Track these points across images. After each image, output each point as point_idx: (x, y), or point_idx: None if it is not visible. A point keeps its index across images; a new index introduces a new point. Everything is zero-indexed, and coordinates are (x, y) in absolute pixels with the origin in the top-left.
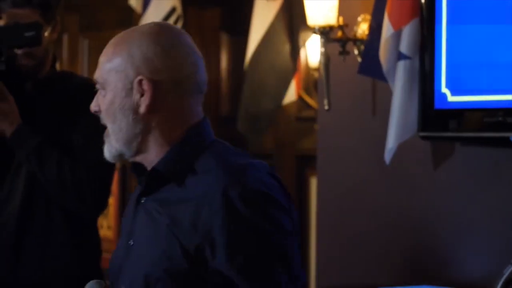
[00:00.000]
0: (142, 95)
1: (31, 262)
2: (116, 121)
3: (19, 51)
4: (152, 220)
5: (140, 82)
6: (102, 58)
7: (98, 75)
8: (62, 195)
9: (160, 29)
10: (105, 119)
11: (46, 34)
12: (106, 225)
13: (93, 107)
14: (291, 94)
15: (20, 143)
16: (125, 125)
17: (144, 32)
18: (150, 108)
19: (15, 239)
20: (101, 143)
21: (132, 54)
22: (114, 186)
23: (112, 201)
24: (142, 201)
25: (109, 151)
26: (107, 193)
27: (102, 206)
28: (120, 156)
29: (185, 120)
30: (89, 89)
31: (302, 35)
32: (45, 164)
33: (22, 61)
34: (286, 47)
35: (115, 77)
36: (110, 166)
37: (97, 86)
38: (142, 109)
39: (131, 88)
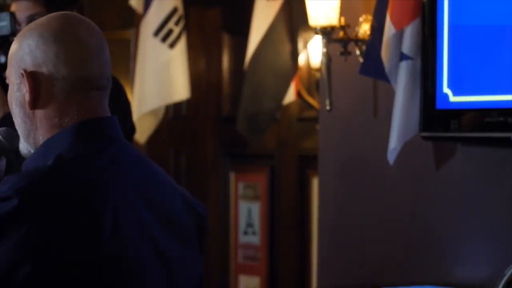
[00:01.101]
0: (27, 90)
1: None
2: (15, 116)
3: None
4: None
5: (22, 75)
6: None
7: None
8: None
9: (52, 20)
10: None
11: None
12: None
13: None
14: (290, 94)
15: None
16: (20, 121)
17: (38, 23)
18: (32, 103)
19: None
20: None
21: (22, 46)
22: None
23: None
24: None
25: (20, 147)
26: None
27: None
28: (29, 152)
29: (73, 117)
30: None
31: (303, 35)
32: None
33: None
34: (287, 47)
35: (10, 70)
36: None
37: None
38: (26, 104)
39: (20, 83)
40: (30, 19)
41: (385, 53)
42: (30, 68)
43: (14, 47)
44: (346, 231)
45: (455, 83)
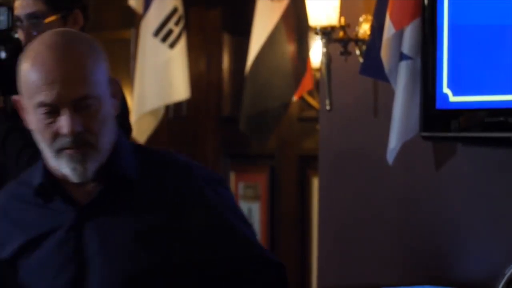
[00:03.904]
0: (117, 100)
1: None
2: (108, 131)
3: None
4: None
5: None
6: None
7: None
8: None
9: (34, 42)
10: None
11: (47, 21)
12: None
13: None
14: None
15: None
16: (112, 132)
17: (86, 36)
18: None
19: None
20: None
21: (102, 60)
22: None
23: None
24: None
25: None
26: None
27: None
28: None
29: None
30: None
31: (310, 35)
32: (7, 149)
33: None
34: (293, 48)
35: (99, 88)
36: None
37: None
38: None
39: (108, 97)
40: (31, 16)
41: (385, 53)
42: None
43: (91, 63)
44: (346, 231)
45: (455, 83)
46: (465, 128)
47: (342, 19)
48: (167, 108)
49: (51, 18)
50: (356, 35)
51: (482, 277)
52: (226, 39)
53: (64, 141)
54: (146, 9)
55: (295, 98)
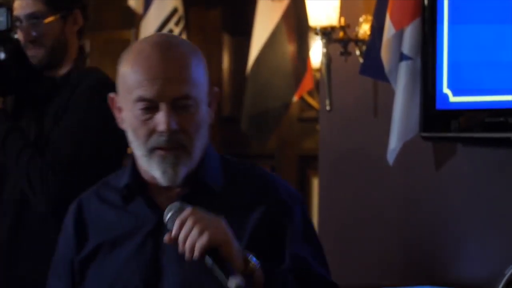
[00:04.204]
0: (216, 105)
1: (25, 268)
2: (201, 136)
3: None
4: None
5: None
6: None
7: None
8: (20, 183)
9: (136, 43)
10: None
11: (47, 21)
12: None
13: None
14: (298, 94)
15: None
16: (204, 139)
17: (189, 43)
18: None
19: (8, 245)
20: (74, 142)
21: (202, 65)
22: None
23: None
24: None
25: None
26: (66, 191)
27: (56, 202)
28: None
29: None
30: (89, 89)
31: (310, 35)
32: (6, 149)
33: (30, 51)
34: (293, 48)
35: (200, 91)
36: (77, 166)
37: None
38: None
39: (205, 102)
40: (30, 17)
41: (385, 53)
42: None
43: (194, 64)
44: (346, 231)
45: (455, 83)
46: (465, 128)
47: (342, 19)
48: None
49: (51, 19)
50: (356, 35)
51: (482, 277)
52: (226, 39)
53: (159, 139)
54: (146, 9)
55: (295, 98)
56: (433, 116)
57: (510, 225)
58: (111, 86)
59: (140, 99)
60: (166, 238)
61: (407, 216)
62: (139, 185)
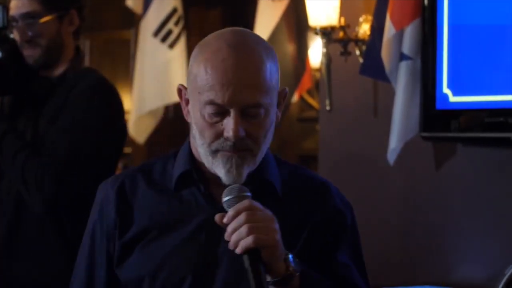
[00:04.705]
0: (281, 108)
1: (24, 267)
2: (264, 142)
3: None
4: None
5: (279, 96)
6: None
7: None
8: (17, 185)
9: (213, 37)
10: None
11: (42, 21)
12: None
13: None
14: (293, 95)
15: None
16: (268, 142)
17: (263, 41)
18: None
19: (6, 245)
20: (72, 142)
21: (275, 67)
22: None
23: None
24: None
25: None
26: (63, 191)
27: (53, 202)
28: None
29: None
30: (89, 89)
31: (309, 35)
32: (3, 149)
33: (25, 51)
34: (292, 47)
35: (271, 95)
36: (76, 166)
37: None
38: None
39: (273, 104)
40: (26, 16)
41: (385, 53)
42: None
43: (268, 69)
44: None
45: (455, 83)
46: (465, 128)
47: (342, 19)
48: (167, 108)
49: (47, 18)
50: (356, 35)
51: (482, 277)
52: None
53: (224, 144)
54: (145, 9)
55: (295, 98)
56: (433, 116)
57: (510, 225)
58: (109, 87)
59: (211, 103)
60: (217, 217)
61: (407, 215)
62: (197, 174)
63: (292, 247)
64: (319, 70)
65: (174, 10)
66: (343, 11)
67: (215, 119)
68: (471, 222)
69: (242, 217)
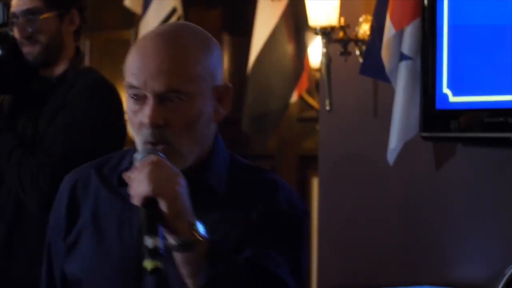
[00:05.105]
0: (227, 104)
1: (22, 268)
2: (195, 132)
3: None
4: None
5: (217, 90)
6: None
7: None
8: (12, 183)
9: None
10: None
11: (43, 17)
12: None
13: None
14: (293, 95)
15: None
16: (197, 136)
17: (202, 33)
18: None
19: (5, 245)
20: (70, 141)
21: (213, 59)
22: None
23: None
24: None
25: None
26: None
27: (49, 202)
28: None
29: None
30: (89, 89)
31: (308, 35)
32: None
33: (25, 48)
34: (292, 47)
35: (200, 85)
36: (73, 166)
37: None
38: (215, 119)
39: (211, 98)
40: (27, 13)
41: (385, 53)
42: (219, 82)
43: (193, 57)
44: (346, 231)
45: (455, 83)
46: (465, 128)
47: (342, 19)
48: None
49: (47, 15)
50: (356, 35)
51: (482, 277)
52: (226, 39)
53: (146, 133)
54: (145, 9)
55: (295, 97)
56: (433, 116)
57: (510, 225)
58: (109, 87)
59: (130, 86)
60: (125, 175)
61: (407, 215)
62: None
63: (227, 241)
64: (319, 70)
65: (174, 10)
66: (343, 11)
67: (136, 107)
68: (471, 222)
69: (145, 168)
